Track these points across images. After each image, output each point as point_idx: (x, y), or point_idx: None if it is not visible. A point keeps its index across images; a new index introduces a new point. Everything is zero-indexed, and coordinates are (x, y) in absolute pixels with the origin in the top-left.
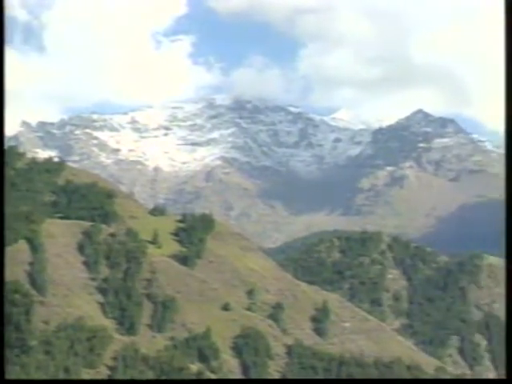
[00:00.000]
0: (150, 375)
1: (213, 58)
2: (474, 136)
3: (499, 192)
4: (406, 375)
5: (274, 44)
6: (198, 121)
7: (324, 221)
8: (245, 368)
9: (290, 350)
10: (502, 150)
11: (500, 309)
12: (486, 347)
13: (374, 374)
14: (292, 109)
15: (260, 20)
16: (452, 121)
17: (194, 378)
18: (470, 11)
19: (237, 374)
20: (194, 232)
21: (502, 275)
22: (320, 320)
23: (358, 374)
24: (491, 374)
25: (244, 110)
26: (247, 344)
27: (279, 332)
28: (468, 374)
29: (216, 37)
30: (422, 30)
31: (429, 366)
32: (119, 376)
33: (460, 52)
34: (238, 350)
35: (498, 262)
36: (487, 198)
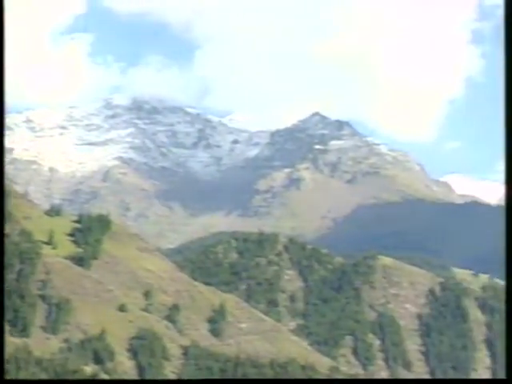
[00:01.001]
0: (43, 377)
1: (111, 58)
2: (369, 139)
3: (393, 194)
4: (301, 375)
5: (172, 45)
6: (96, 120)
7: (222, 222)
8: (140, 369)
9: (186, 351)
10: (395, 153)
11: (393, 309)
12: (379, 347)
13: (269, 375)
14: (190, 110)
15: (158, 20)
16: (348, 124)
17: (88, 379)
18: (365, 14)
19: (132, 375)
20: (90, 233)
21: (395, 276)
22: (216, 321)
23: (253, 375)
24: (384, 373)
25: (142, 111)
26: (143, 345)
27: (175, 333)
28: (361, 374)
29: (114, 36)
30: (317, 32)
31: (323, 366)
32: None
33: (355, 55)
34: (133, 352)
35: (391, 262)
36: (382, 200)
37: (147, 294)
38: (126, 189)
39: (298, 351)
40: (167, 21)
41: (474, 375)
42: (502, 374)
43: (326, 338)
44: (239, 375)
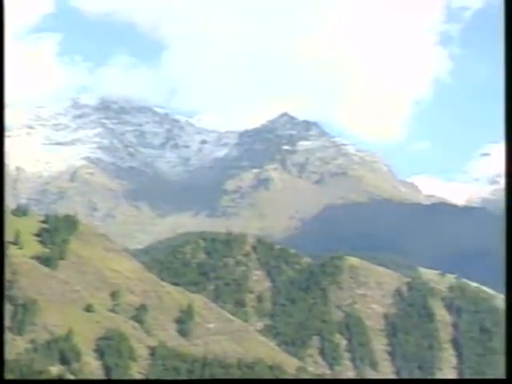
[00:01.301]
0: (8, 378)
1: (79, 57)
2: (337, 139)
3: (360, 194)
4: (268, 375)
5: (140, 44)
6: (63, 120)
7: (189, 222)
8: (107, 370)
9: (153, 352)
10: (363, 154)
11: (360, 309)
12: (346, 347)
13: (236, 375)
14: (158, 110)
15: (125, 20)
16: (315, 124)
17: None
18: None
19: (98, 376)
20: (57, 233)
21: (362, 276)
22: (184, 321)
23: (220, 375)
24: (350, 373)
25: (110, 110)
26: (110, 346)
27: (143, 333)
28: (328, 374)
29: (82, 36)
30: (286, 33)
31: (290, 366)
32: None
33: (323, 57)
34: (100, 352)
35: (358, 263)
36: (349, 200)
37: (114, 295)
38: (94, 189)
39: (265, 351)
40: (135, 21)
41: (439, 375)
42: (468, 374)
43: (293, 338)
44: (207, 375)
